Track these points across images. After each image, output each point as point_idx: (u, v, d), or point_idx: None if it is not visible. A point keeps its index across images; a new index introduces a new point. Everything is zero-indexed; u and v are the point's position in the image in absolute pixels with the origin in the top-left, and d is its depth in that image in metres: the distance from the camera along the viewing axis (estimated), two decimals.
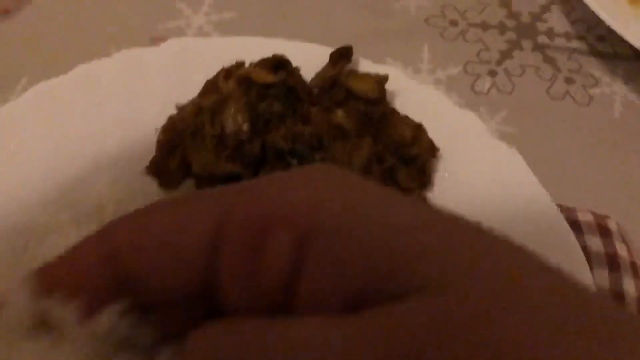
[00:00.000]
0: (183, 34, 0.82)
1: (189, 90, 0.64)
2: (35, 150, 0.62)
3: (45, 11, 0.84)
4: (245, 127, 0.58)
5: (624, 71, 0.79)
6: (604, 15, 0.75)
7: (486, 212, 0.59)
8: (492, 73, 0.78)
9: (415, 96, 0.64)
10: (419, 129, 0.60)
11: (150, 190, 0.62)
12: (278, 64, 0.62)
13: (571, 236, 0.57)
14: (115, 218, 0.25)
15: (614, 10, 0.77)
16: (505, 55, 0.80)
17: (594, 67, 0.79)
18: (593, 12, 0.76)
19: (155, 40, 0.80)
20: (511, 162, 0.60)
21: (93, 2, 0.85)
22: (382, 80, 0.62)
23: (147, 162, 0.62)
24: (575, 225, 0.67)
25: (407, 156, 0.60)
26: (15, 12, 0.82)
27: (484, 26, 0.83)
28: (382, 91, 0.62)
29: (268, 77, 0.59)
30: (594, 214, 0.68)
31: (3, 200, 0.59)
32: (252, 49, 0.66)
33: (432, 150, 0.60)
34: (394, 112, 0.61)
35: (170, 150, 0.61)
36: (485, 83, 0.78)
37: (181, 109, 0.62)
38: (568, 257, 0.57)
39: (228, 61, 0.65)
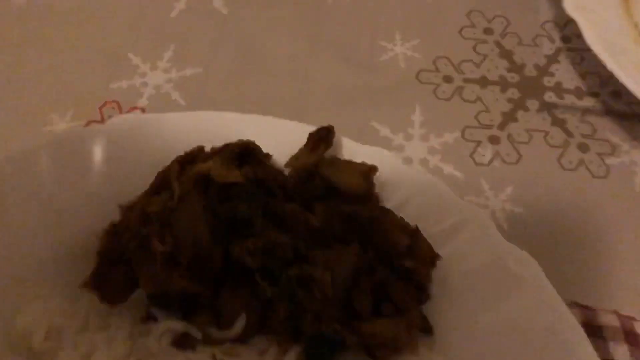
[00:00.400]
0: (138, 95, 0.71)
1: (138, 178, 0.53)
2: None
3: None
4: (203, 239, 0.47)
5: None
6: (617, 71, 0.65)
7: (496, 341, 0.49)
8: (494, 139, 0.68)
9: (408, 184, 0.53)
10: (415, 235, 0.49)
11: (90, 308, 0.51)
12: (245, 152, 0.52)
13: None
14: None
15: (630, 65, 0.67)
16: (508, 117, 0.70)
17: (610, 131, 0.69)
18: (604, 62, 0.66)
19: (106, 104, 0.70)
20: (527, 271, 0.50)
21: (34, 58, 0.74)
22: (369, 171, 0.51)
23: (85, 275, 0.51)
24: (597, 330, 0.57)
25: (402, 268, 0.49)
26: None
27: (483, 82, 0.73)
28: (370, 186, 0.51)
29: (231, 176, 0.48)
30: (619, 315, 0.58)
31: None
32: (212, 128, 0.55)
33: (431, 260, 0.50)
34: (385, 212, 0.50)
35: (113, 260, 0.50)
36: (486, 151, 0.67)
37: (125, 211, 0.50)
38: None
39: (183, 144, 0.54)
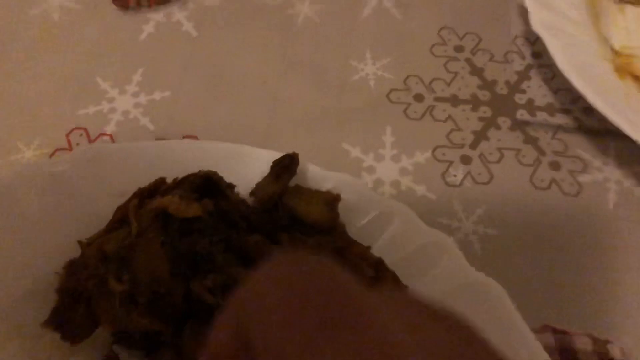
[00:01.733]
0: (106, 120, 0.70)
1: (101, 212, 0.52)
2: None
3: None
4: (163, 277, 0.46)
5: (616, 151, 0.69)
6: (587, 92, 0.64)
7: None
8: (466, 159, 0.68)
9: (374, 210, 0.53)
10: (380, 265, 0.48)
11: (52, 348, 0.50)
12: (206, 183, 0.51)
13: None
14: None
15: (598, 83, 0.67)
16: (480, 135, 0.69)
17: (582, 148, 0.69)
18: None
19: (73, 130, 0.69)
20: (495, 302, 0.49)
21: (3, 86, 0.72)
22: (333, 201, 0.51)
23: (45, 314, 0.50)
24: (571, 355, 0.57)
25: None
26: None
27: (454, 100, 0.72)
28: (334, 216, 0.50)
29: (190, 210, 0.47)
30: (593, 338, 0.57)
31: None
32: (176, 156, 0.54)
33: (396, 287, 0.49)
34: (351, 243, 0.50)
35: (74, 298, 0.49)
36: (458, 172, 0.67)
37: (84, 249, 0.49)
38: None
39: (146, 175, 0.53)
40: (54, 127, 0.69)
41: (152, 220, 0.47)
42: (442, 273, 0.50)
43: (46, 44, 0.76)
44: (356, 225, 0.52)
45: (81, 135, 0.69)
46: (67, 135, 0.68)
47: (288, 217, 0.51)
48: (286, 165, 0.53)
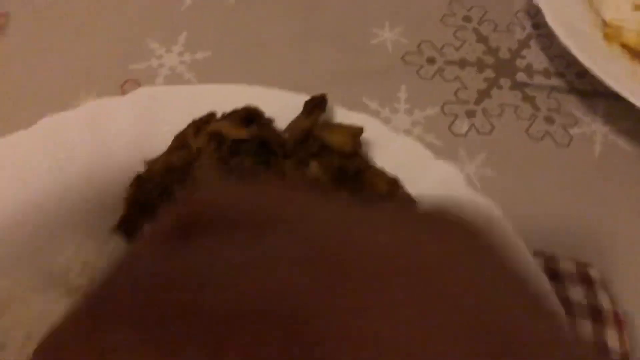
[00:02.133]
0: (155, 74, 0.80)
1: (158, 142, 0.62)
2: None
3: (12, 53, 0.81)
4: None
5: (603, 110, 0.78)
6: (580, 55, 0.74)
7: None
8: (471, 113, 0.77)
9: (392, 146, 0.62)
10: (394, 183, 0.58)
11: (119, 249, 0.60)
12: (250, 116, 0.61)
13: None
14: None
15: (589, 48, 0.76)
16: (483, 94, 0.79)
17: (574, 106, 0.78)
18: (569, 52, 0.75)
19: (127, 82, 0.78)
20: (494, 221, 0.59)
21: (61, 42, 0.83)
22: (356, 133, 0.60)
23: (115, 220, 0.60)
24: (557, 275, 0.66)
25: None
26: None
27: (462, 64, 0.82)
28: (357, 144, 0.60)
29: (239, 133, 0.57)
30: (575, 262, 0.66)
31: None
32: (222, 98, 0.64)
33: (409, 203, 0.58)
34: (369, 166, 0.59)
35: (140, 207, 0.59)
36: (463, 124, 0.76)
37: (150, 165, 0.59)
38: None
39: (198, 111, 0.63)
40: (110, 79, 0.79)
41: (207, 142, 0.57)
42: (450, 200, 0.60)
43: (102, 9, 0.86)
44: (375, 157, 0.62)
45: (134, 86, 0.78)
46: (122, 85, 0.78)
47: (318, 145, 0.60)
48: (317, 103, 0.63)
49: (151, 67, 0.81)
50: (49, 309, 0.54)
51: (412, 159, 0.61)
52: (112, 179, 0.61)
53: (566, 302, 0.64)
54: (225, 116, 0.61)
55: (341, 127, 0.61)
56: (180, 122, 0.62)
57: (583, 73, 0.81)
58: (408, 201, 0.59)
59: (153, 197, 0.57)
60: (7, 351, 0.51)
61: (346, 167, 0.58)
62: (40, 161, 0.61)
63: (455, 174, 0.60)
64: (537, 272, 0.59)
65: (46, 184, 0.61)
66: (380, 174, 0.59)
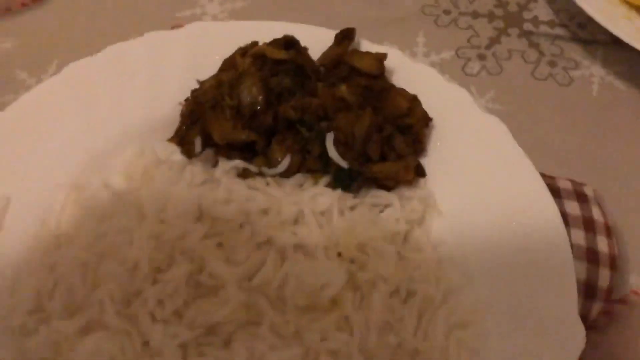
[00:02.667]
0: (199, 21, 0.89)
1: (208, 68, 0.71)
2: (69, 122, 0.69)
3: (72, 1, 0.91)
4: (260, 98, 0.65)
5: (602, 55, 0.86)
6: (582, 3, 0.82)
7: (473, 178, 0.67)
8: (482, 57, 0.86)
9: (411, 72, 0.71)
10: (414, 100, 0.67)
11: (174, 158, 0.70)
12: (288, 43, 0.70)
13: (548, 195, 0.64)
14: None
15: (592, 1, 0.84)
16: (493, 41, 0.88)
17: (575, 52, 0.87)
18: (575, 2, 0.83)
19: (173, 28, 0.88)
20: (497, 132, 0.67)
21: None
22: (381, 57, 0.69)
23: (171, 133, 0.70)
24: (555, 192, 0.74)
25: (403, 125, 0.67)
26: (46, 1, 0.90)
27: (475, 15, 0.90)
28: (382, 67, 0.69)
29: (280, 54, 0.66)
30: (572, 182, 0.75)
31: (44, 164, 0.66)
32: (264, 32, 0.73)
33: (425, 120, 0.68)
34: (391, 86, 0.69)
35: (193, 121, 0.69)
36: (475, 66, 0.85)
37: (202, 83, 0.69)
38: (545, 215, 0.64)
39: (243, 42, 0.72)
40: (159, 25, 0.88)
41: (252, 62, 0.66)
42: (459, 114, 0.69)
43: None
44: (396, 79, 0.71)
45: None
46: (172, 28, 0.88)
47: (347, 70, 0.69)
48: (346, 35, 0.72)
49: (195, 15, 0.90)
50: None
51: (428, 82, 0.70)
52: (168, 97, 0.70)
53: (563, 214, 0.72)
54: (267, 44, 0.70)
55: (368, 53, 0.70)
56: (228, 51, 0.72)
57: (584, 24, 0.89)
58: (424, 117, 0.68)
59: (205, 110, 0.67)
60: None
61: (372, 87, 0.67)
62: (106, 81, 0.71)
63: (466, 95, 0.69)
64: (539, 184, 0.67)
65: (110, 100, 0.70)
66: (402, 92, 0.68)
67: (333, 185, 0.66)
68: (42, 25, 0.88)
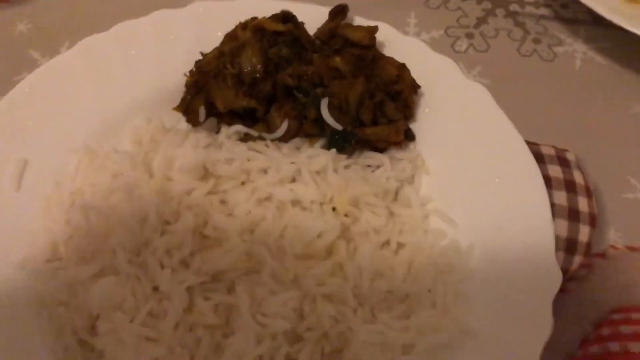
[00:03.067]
0: None
1: (212, 43, 0.76)
2: (82, 92, 0.74)
3: None
4: (259, 67, 0.70)
5: (584, 33, 0.91)
6: None
7: (458, 140, 0.71)
8: (470, 35, 0.91)
9: (401, 44, 0.76)
10: (402, 68, 0.72)
11: (179, 127, 0.75)
12: (286, 17, 0.75)
13: (528, 153, 0.69)
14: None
15: None
16: (481, 20, 0.93)
17: (558, 30, 0.92)
18: None
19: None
20: (481, 98, 0.72)
21: None
22: (373, 30, 0.74)
23: (177, 103, 0.74)
24: (539, 157, 0.79)
25: (393, 91, 0.72)
26: None
27: None
28: (373, 39, 0.74)
29: (278, 26, 0.71)
30: (555, 148, 0.79)
31: (59, 130, 0.71)
32: (264, 9, 0.77)
33: (414, 86, 0.72)
34: (382, 55, 0.73)
35: (197, 91, 0.73)
36: (463, 44, 0.90)
37: (205, 55, 0.74)
38: (527, 174, 0.69)
39: (244, 19, 0.77)
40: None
41: (252, 33, 0.71)
42: (445, 82, 0.74)
43: None
44: (387, 51, 0.76)
45: None
46: None
47: (341, 42, 0.74)
48: (339, 10, 0.77)
49: None
50: None
51: (416, 53, 0.75)
52: (175, 70, 0.75)
53: (546, 178, 0.76)
54: (267, 18, 0.75)
55: (360, 27, 0.75)
56: (230, 27, 0.76)
57: (567, 4, 0.94)
58: (412, 84, 0.73)
59: (208, 79, 0.72)
60: None
61: (364, 56, 0.72)
62: (116, 55, 0.76)
63: (452, 64, 0.74)
64: (522, 146, 0.71)
65: (121, 72, 0.75)
66: (391, 61, 0.73)
67: (328, 147, 0.70)
68: (54, 9, 0.93)
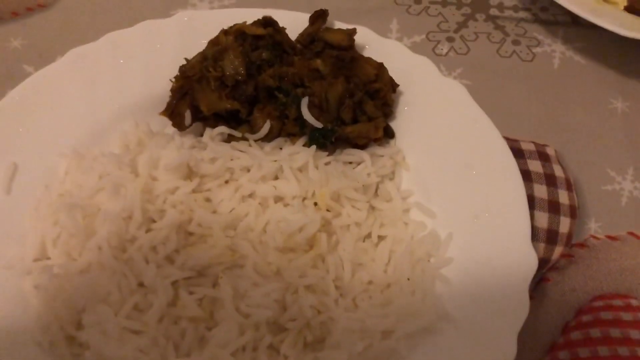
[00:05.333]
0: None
1: (196, 51, 0.78)
2: (71, 99, 0.77)
3: (74, 4, 0.99)
4: (241, 69, 0.72)
5: (563, 34, 0.93)
6: None
7: (437, 135, 0.73)
8: (450, 39, 0.93)
9: (379, 46, 0.78)
10: (381, 67, 0.74)
11: (166, 131, 0.77)
12: (267, 22, 0.77)
13: (504, 146, 0.70)
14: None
15: None
16: (461, 25, 0.95)
17: (537, 32, 0.94)
18: None
19: None
20: (457, 94, 0.74)
21: None
22: (351, 32, 0.77)
23: (163, 107, 0.76)
24: (519, 152, 0.80)
25: (372, 90, 0.74)
26: (50, 5, 0.98)
27: (444, 3, 0.98)
28: (352, 40, 0.76)
29: (258, 30, 0.74)
30: (535, 143, 0.81)
31: (49, 136, 0.74)
32: (247, 18, 0.80)
33: (392, 85, 0.74)
34: (361, 56, 0.76)
35: (182, 95, 0.76)
36: (444, 47, 0.92)
37: (189, 60, 0.76)
38: (502, 164, 0.70)
39: (227, 26, 0.80)
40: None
41: (234, 39, 0.74)
42: (423, 81, 0.76)
43: None
44: (366, 53, 0.78)
45: None
46: None
47: (321, 46, 0.77)
48: (320, 15, 0.79)
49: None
50: None
51: (394, 53, 0.77)
52: (161, 76, 0.77)
53: (526, 173, 0.78)
54: (249, 24, 0.77)
55: (339, 29, 0.78)
56: (213, 35, 0.79)
57: (546, 7, 0.97)
58: (391, 83, 0.75)
59: (192, 84, 0.74)
60: None
61: (343, 57, 0.74)
62: (105, 64, 0.79)
63: (429, 63, 0.76)
64: (499, 140, 0.73)
65: (109, 80, 0.78)
66: (369, 60, 0.75)
67: (309, 144, 0.72)
68: (46, 26, 0.96)
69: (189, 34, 0.81)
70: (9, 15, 0.96)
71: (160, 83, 0.78)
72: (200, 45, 0.79)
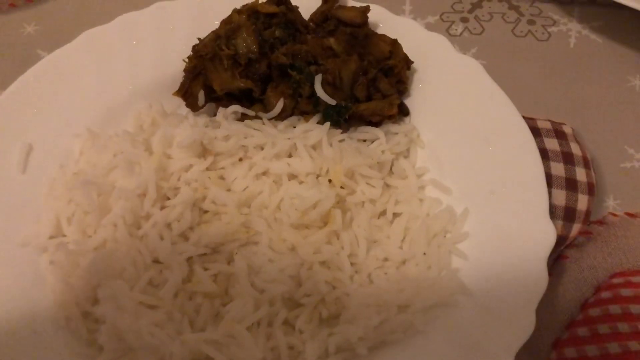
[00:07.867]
0: None
1: (209, 31, 0.78)
2: (85, 81, 0.77)
3: None
4: (254, 47, 0.72)
5: (579, 13, 0.92)
6: None
7: (453, 114, 0.72)
8: (465, 20, 0.92)
9: (393, 24, 0.78)
10: (395, 44, 0.74)
11: (179, 111, 0.77)
12: (279, 1, 0.77)
13: (521, 122, 0.69)
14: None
15: None
16: (475, 5, 0.94)
17: (553, 11, 0.93)
18: None
19: None
20: (472, 70, 0.73)
21: None
22: (364, 9, 0.76)
23: (176, 87, 0.76)
24: (536, 131, 0.79)
25: (386, 67, 0.73)
26: None
27: None
28: (365, 17, 0.76)
29: (271, 8, 0.73)
30: (551, 122, 0.80)
31: (64, 117, 0.74)
32: None
33: (406, 61, 0.74)
34: (374, 33, 0.75)
35: (195, 75, 0.75)
36: (458, 28, 0.91)
37: (203, 39, 0.76)
38: (524, 147, 0.69)
39: (239, 5, 0.79)
40: None
41: (247, 16, 0.73)
42: (438, 58, 0.75)
43: None
44: (380, 30, 0.77)
45: None
46: None
47: (334, 24, 0.76)
48: None
49: None
50: None
51: (408, 30, 0.76)
52: (174, 57, 0.77)
53: (543, 151, 0.77)
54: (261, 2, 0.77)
55: (352, 7, 0.77)
56: (226, 15, 0.79)
57: None
58: (405, 60, 0.74)
59: (205, 63, 0.74)
60: None
61: (356, 34, 0.74)
62: (119, 45, 0.79)
63: (444, 40, 0.75)
64: (516, 116, 0.72)
65: (123, 61, 0.78)
66: (383, 37, 0.74)
67: (322, 122, 0.72)
68: (60, 11, 0.96)
69: (201, 15, 0.81)
70: (22, 1, 0.97)
71: (173, 63, 0.78)
72: (213, 25, 0.78)
